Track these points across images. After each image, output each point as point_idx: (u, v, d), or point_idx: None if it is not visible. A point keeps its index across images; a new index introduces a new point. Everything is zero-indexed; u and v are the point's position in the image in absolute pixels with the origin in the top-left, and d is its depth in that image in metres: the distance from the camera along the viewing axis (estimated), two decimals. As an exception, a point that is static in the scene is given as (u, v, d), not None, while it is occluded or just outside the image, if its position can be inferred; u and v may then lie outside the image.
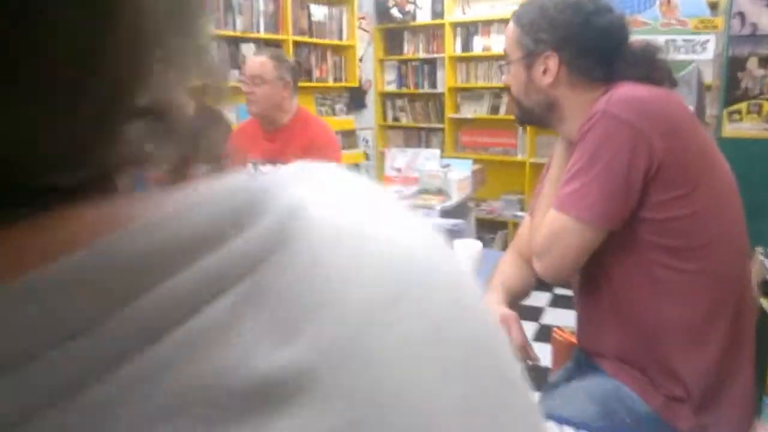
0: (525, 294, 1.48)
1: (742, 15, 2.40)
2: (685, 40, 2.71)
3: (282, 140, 2.46)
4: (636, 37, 1.31)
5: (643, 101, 1.13)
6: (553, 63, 1.24)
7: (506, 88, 1.41)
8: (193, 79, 0.23)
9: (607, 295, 1.25)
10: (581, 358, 1.39)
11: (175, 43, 0.21)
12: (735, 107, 2.41)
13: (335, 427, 0.17)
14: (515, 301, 1.45)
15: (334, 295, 0.19)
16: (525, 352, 1.27)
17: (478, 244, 1.62)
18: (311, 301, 0.19)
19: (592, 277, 1.27)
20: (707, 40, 2.74)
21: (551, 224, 1.19)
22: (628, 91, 1.15)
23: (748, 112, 2.38)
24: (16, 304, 0.16)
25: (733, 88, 2.41)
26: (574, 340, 1.52)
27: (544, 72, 1.25)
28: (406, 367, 0.19)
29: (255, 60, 2.42)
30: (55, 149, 0.18)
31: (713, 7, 3.01)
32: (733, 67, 2.42)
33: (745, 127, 2.38)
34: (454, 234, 1.87)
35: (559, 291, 3.83)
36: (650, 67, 1.22)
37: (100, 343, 0.16)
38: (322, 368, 0.18)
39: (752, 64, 2.40)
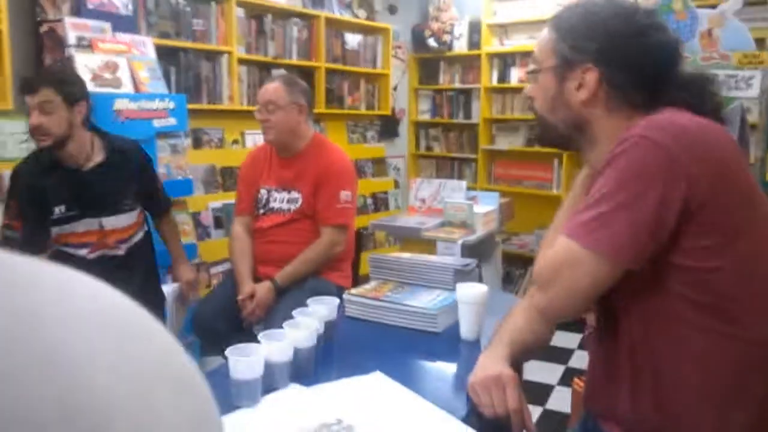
0: (537, 349, 1.31)
1: (790, 49, 2.23)
2: (727, 76, 2.55)
3: (297, 167, 2.39)
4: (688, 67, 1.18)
5: (686, 130, 0.98)
6: (591, 77, 1.08)
7: (528, 101, 1.22)
8: None
9: (624, 351, 1.10)
10: (589, 423, 1.24)
11: None
12: (781, 148, 2.23)
13: None
14: (524, 357, 1.31)
15: None
16: (520, 418, 1.13)
17: (483, 287, 1.49)
18: None
19: (609, 328, 1.13)
20: (752, 77, 2.56)
21: (560, 252, 1.03)
22: (670, 117, 1.01)
23: (795, 153, 2.21)
24: None
25: (779, 127, 2.24)
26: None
27: (579, 87, 1.10)
28: None
29: (268, 87, 2.37)
30: None
31: (759, 41, 2.84)
32: (779, 104, 2.25)
33: (791, 170, 2.20)
34: (464, 274, 1.75)
35: (590, 334, 3.64)
36: (699, 98, 1.07)
37: None
38: None
39: (801, 101, 2.22)
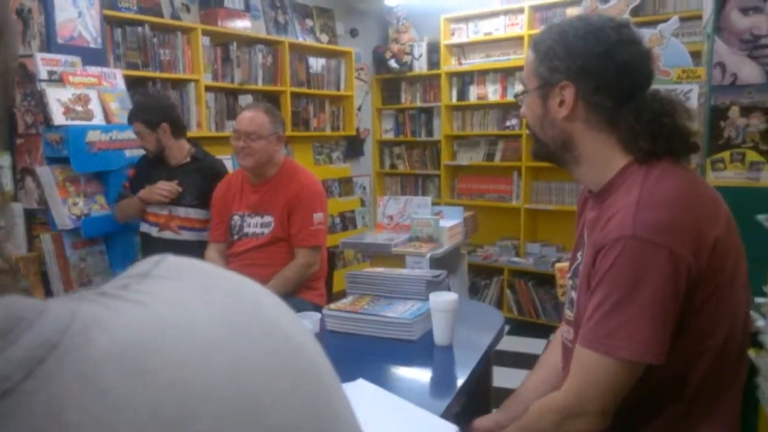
0: None
1: (722, 65, 2.44)
2: (668, 90, 2.75)
3: (268, 192, 2.48)
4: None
5: (672, 218, 1.01)
6: (569, 94, 1.13)
7: (526, 121, 1.29)
8: None
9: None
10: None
11: None
12: (718, 156, 2.43)
13: None
14: None
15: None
16: None
17: (454, 295, 1.62)
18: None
19: None
20: (690, 90, 2.78)
21: (595, 371, 1.04)
22: (654, 203, 1.03)
23: (731, 161, 2.40)
24: None
25: (715, 137, 2.44)
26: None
27: (560, 104, 1.15)
28: None
29: (249, 116, 2.43)
30: None
31: (695, 56, 3.07)
32: (715, 116, 2.45)
33: (728, 176, 2.40)
34: (435, 285, 1.87)
35: (556, 339, 3.78)
36: (671, 136, 1.09)
37: None
38: None
39: (734, 113, 2.43)
